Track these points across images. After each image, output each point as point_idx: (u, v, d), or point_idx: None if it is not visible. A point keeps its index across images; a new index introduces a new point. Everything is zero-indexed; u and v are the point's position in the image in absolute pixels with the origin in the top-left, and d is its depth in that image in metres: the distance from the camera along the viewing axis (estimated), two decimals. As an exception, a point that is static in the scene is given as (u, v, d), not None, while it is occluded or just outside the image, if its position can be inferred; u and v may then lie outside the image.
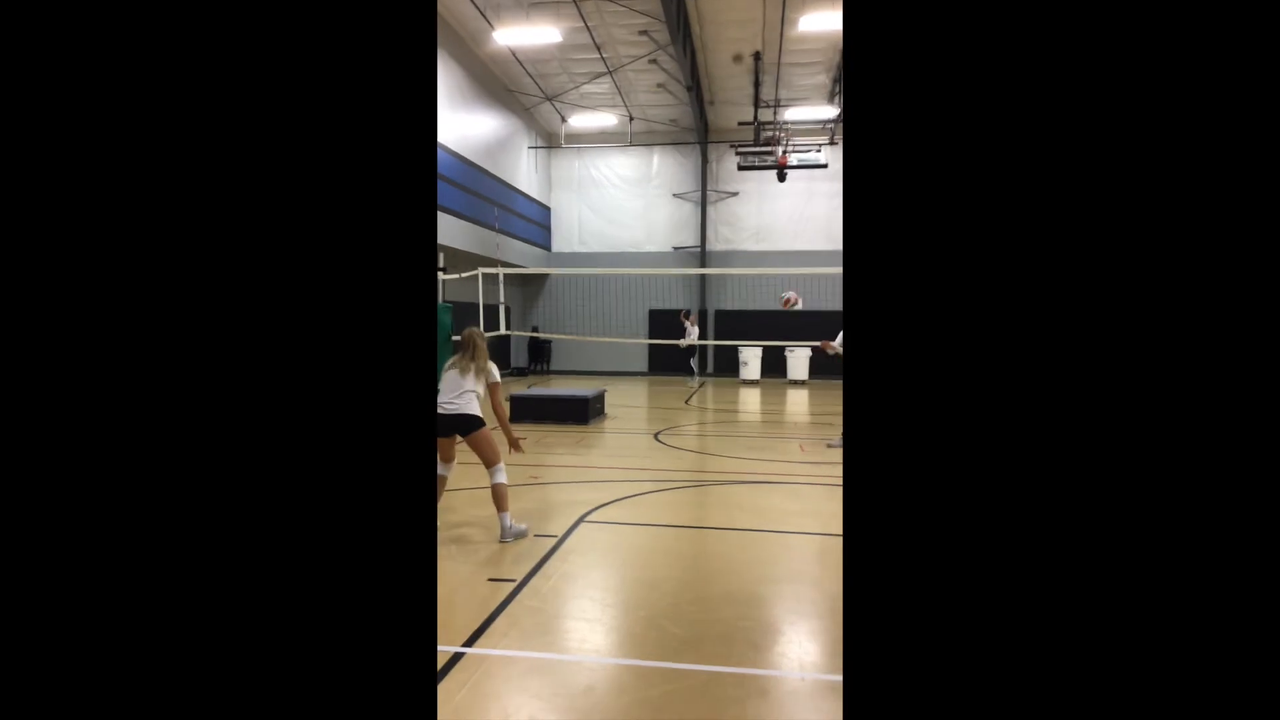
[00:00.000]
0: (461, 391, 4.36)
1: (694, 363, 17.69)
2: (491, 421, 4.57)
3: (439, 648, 2.95)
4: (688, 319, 16.90)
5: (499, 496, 4.42)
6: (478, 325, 10.38)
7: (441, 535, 4.54)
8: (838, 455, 7.43)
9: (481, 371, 4.42)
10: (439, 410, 4.33)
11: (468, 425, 4.36)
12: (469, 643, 3.01)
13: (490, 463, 4.43)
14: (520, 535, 4.46)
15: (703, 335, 18.03)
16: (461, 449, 4.55)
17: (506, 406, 4.76)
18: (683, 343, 15.89)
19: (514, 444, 4.63)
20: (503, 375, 4.65)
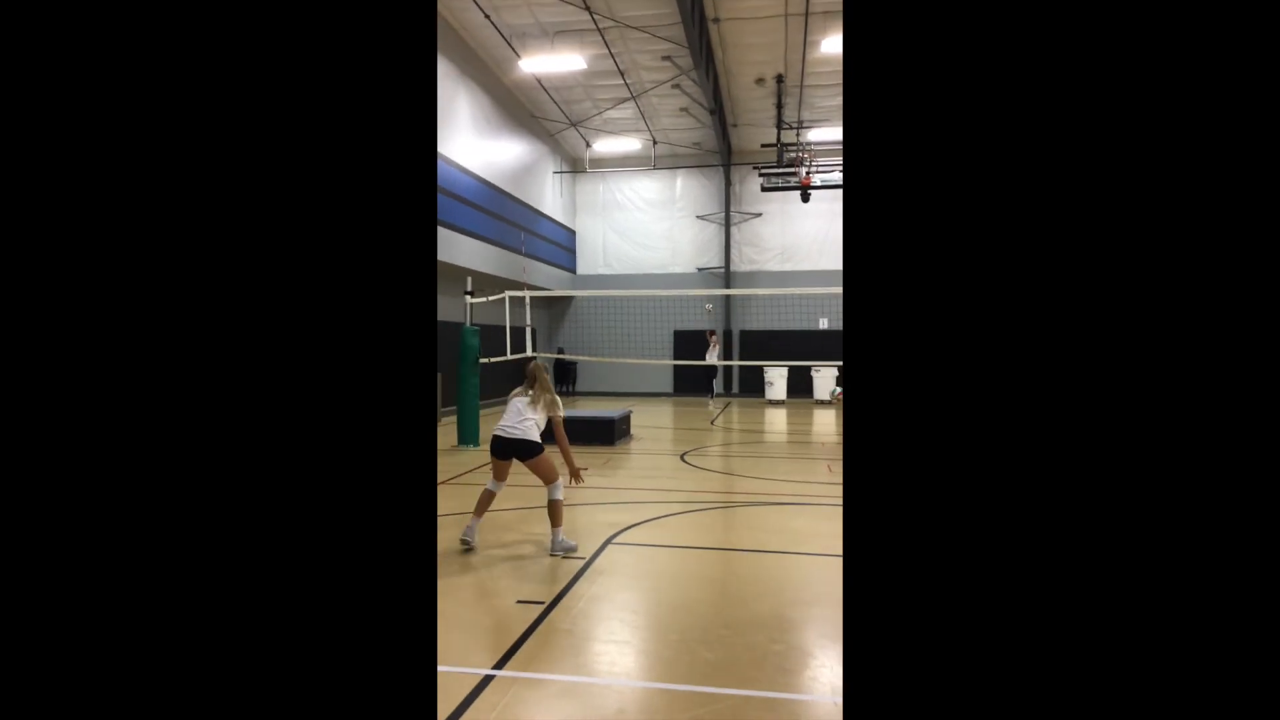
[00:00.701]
0: (524, 419, 4.67)
1: (716, 383, 17.61)
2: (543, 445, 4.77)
3: (467, 670, 2.97)
4: (710, 338, 16.88)
5: (555, 512, 4.68)
6: (512, 347, 10.47)
7: (475, 557, 4.58)
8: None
9: (547, 405, 4.73)
10: (502, 434, 4.67)
11: (528, 450, 4.64)
12: (499, 665, 3.02)
13: (548, 481, 4.70)
14: (570, 550, 4.65)
15: (728, 355, 17.98)
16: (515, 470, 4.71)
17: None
18: (708, 361, 15.86)
19: (575, 474, 4.85)
20: None
